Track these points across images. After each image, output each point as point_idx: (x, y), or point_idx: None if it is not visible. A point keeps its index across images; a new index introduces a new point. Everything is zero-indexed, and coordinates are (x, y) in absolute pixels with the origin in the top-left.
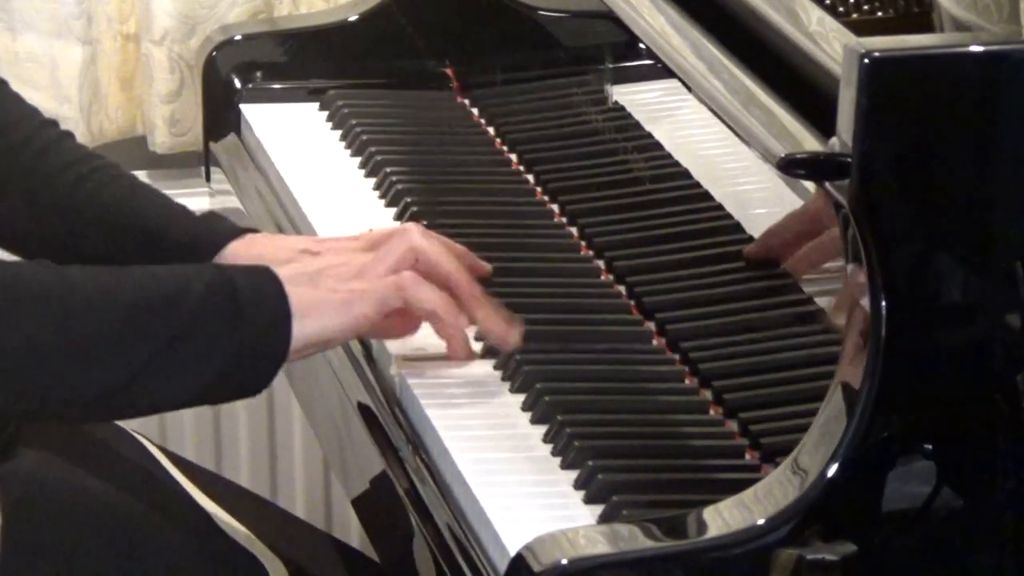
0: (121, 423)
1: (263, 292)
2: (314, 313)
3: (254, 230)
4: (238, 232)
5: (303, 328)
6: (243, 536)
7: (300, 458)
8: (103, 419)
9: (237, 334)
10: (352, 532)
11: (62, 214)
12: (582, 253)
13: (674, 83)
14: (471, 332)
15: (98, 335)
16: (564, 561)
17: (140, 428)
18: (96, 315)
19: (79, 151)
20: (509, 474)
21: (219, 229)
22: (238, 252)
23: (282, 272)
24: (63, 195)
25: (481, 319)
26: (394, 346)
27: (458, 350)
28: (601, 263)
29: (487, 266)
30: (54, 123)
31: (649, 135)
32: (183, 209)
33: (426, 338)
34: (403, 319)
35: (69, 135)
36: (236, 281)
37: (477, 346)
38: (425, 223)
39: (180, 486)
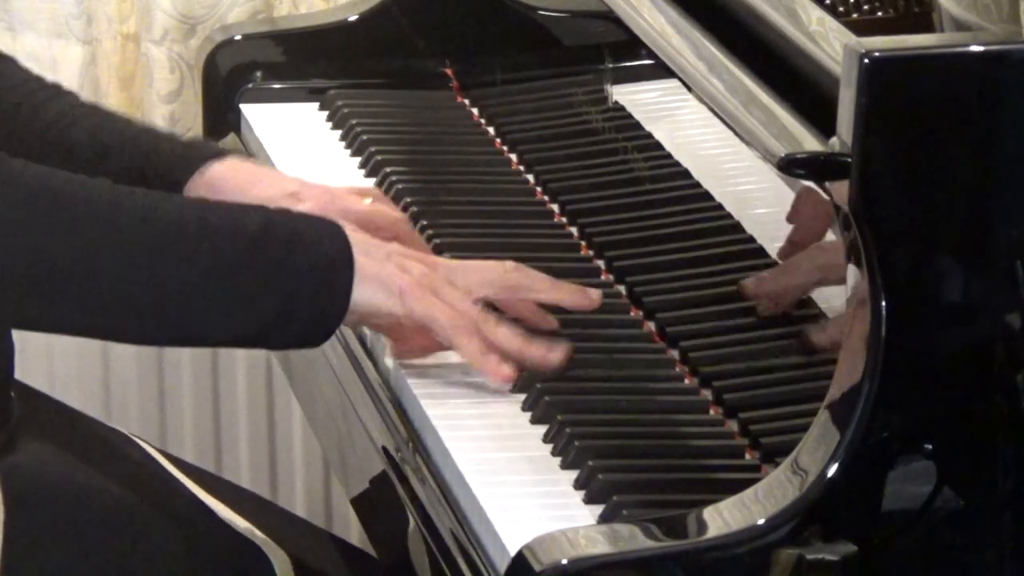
0: (120, 427)
1: (328, 241)
2: (372, 284)
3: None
4: (220, 153)
5: (358, 293)
6: (245, 528)
7: (300, 458)
8: (156, 338)
9: (298, 274)
10: (352, 532)
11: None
12: (582, 253)
13: (674, 83)
14: None
15: (149, 248)
16: (564, 561)
17: (140, 430)
18: (149, 227)
19: (65, 102)
20: (509, 474)
21: (199, 151)
22: (223, 175)
23: (356, 236)
24: (49, 145)
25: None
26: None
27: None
28: (601, 263)
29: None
30: (53, 86)
31: (649, 135)
32: (153, 133)
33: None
34: (428, 341)
35: (64, 93)
36: (300, 225)
37: None
38: (425, 223)
39: (181, 483)
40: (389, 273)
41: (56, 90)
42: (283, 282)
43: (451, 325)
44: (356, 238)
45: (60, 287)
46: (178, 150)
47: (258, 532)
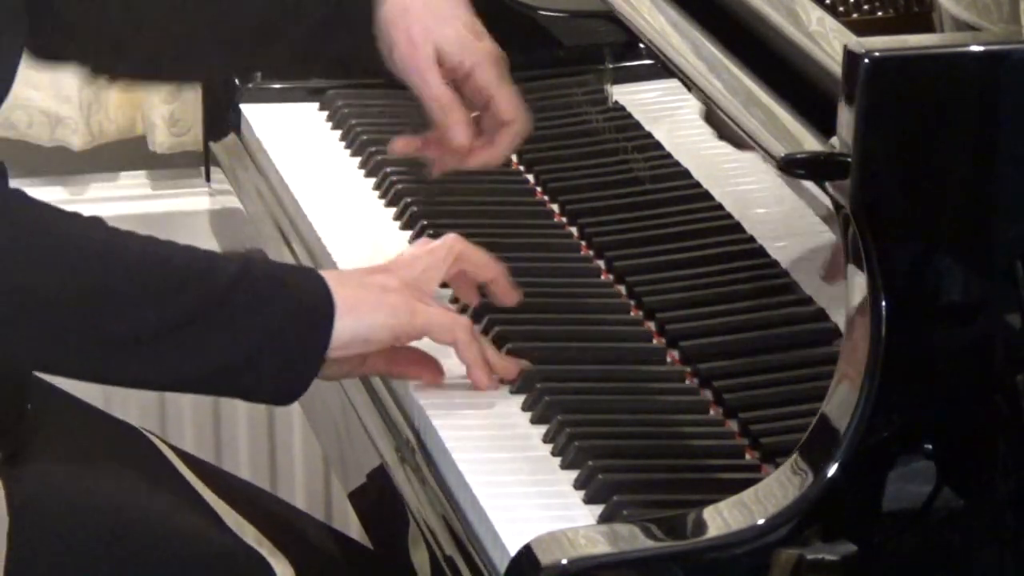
0: (128, 418)
1: (307, 282)
2: (358, 311)
3: None
4: None
5: (345, 324)
6: (251, 536)
7: (300, 454)
8: (122, 379)
9: (274, 317)
10: (352, 530)
11: None
12: (582, 253)
13: (674, 83)
14: None
15: (129, 285)
16: (564, 561)
17: (140, 422)
18: (131, 265)
19: None
20: (509, 474)
21: None
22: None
23: (330, 274)
24: None
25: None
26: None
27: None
28: (601, 263)
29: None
30: None
31: (649, 135)
32: None
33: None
34: (426, 369)
35: None
36: (277, 268)
37: None
38: (425, 223)
39: (188, 484)
40: (372, 297)
41: None
42: (256, 328)
43: (449, 328)
44: (330, 275)
45: (41, 321)
46: None
47: (264, 539)
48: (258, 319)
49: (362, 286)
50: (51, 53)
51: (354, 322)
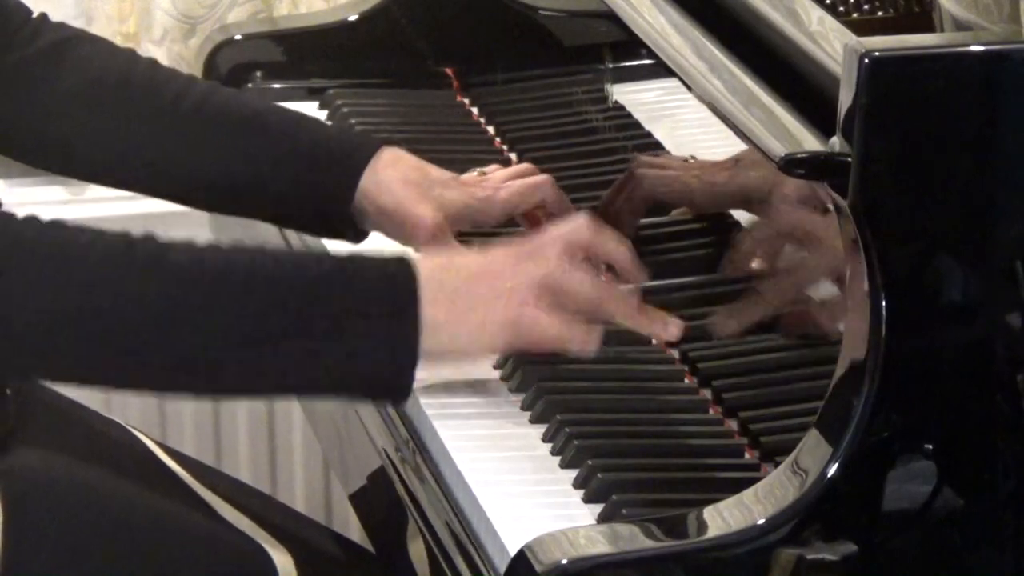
0: (121, 419)
1: (395, 296)
2: (444, 332)
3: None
4: (381, 144)
5: (433, 343)
6: (247, 525)
7: (300, 455)
8: (197, 394)
9: (357, 340)
10: (352, 530)
11: (196, 143)
12: None
13: (674, 83)
14: None
15: (207, 306)
16: (564, 561)
17: (140, 428)
18: (209, 286)
19: (182, 78)
20: (509, 474)
21: (366, 141)
22: (386, 166)
23: (428, 275)
24: (189, 124)
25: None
26: None
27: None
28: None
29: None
30: (137, 57)
31: (649, 135)
32: (316, 121)
33: None
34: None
35: (156, 63)
36: (368, 272)
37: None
38: None
39: (179, 478)
40: (466, 316)
41: (148, 61)
42: (341, 352)
43: (564, 339)
44: (428, 278)
45: (119, 347)
46: (348, 135)
47: (261, 530)
48: (341, 345)
49: (456, 297)
50: None
51: (443, 340)
